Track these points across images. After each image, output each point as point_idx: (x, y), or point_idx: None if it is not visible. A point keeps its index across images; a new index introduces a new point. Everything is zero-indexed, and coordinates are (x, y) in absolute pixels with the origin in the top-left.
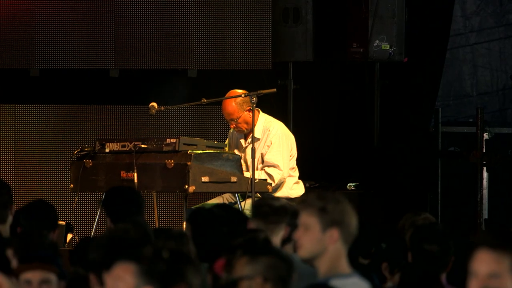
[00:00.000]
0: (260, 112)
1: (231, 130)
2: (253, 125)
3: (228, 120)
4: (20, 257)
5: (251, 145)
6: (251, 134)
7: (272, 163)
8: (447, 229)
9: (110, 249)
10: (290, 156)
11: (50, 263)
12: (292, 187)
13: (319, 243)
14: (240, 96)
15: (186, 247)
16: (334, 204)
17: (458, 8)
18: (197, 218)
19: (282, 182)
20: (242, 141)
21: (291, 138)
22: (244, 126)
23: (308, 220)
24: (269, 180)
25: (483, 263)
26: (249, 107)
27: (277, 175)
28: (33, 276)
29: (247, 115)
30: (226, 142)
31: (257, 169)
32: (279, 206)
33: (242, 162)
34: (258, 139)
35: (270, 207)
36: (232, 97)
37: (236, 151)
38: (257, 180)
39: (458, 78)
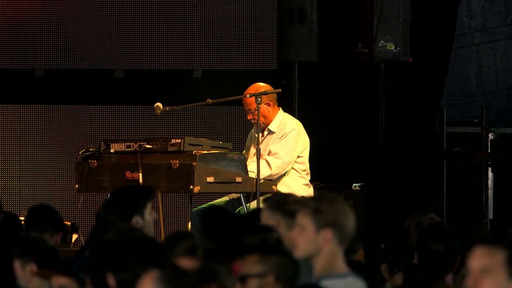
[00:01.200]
0: (281, 110)
1: (251, 131)
2: (258, 124)
3: (246, 111)
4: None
5: (265, 138)
6: (267, 129)
7: (274, 152)
8: (453, 229)
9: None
10: (301, 157)
11: (68, 271)
12: (302, 187)
13: (313, 243)
14: (245, 96)
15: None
16: (328, 204)
17: (463, 8)
18: (210, 216)
19: (285, 175)
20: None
21: (306, 138)
22: (260, 119)
23: (303, 220)
24: (266, 169)
25: (476, 259)
26: (268, 101)
27: (274, 162)
28: (53, 282)
29: (265, 109)
30: (247, 142)
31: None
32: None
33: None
34: (273, 133)
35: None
36: (239, 96)
37: (252, 147)
38: (262, 181)
39: (463, 78)
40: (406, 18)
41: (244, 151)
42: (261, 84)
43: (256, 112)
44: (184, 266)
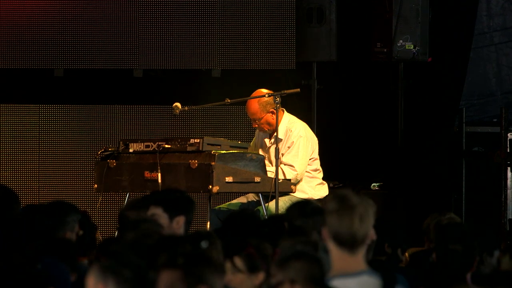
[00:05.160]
0: (285, 112)
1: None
2: (277, 125)
3: (251, 119)
4: None
5: (274, 145)
6: (275, 134)
7: (288, 163)
8: (471, 229)
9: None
10: (312, 158)
11: None
12: (316, 188)
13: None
14: (263, 96)
15: (215, 247)
16: (328, 204)
17: (482, 7)
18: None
19: (300, 181)
20: (267, 140)
21: (313, 140)
22: (266, 127)
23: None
24: (283, 176)
25: None
26: (273, 109)
27: (290, 174)
28: None
29: (270, 117)
30: (252, 142)
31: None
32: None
33: (266, 161)
34: (281, 140)
35: None
36: (256, 97)
37: (260, 151)
38: (280, 181)
39: (482, 77)
40: (425, 18)
41: (251, 143)
42: (264, 90)
43: (261, 120)
44: (238, 264)
